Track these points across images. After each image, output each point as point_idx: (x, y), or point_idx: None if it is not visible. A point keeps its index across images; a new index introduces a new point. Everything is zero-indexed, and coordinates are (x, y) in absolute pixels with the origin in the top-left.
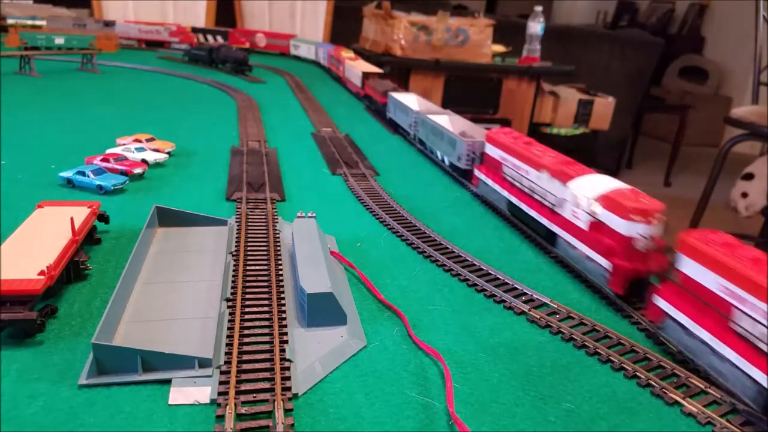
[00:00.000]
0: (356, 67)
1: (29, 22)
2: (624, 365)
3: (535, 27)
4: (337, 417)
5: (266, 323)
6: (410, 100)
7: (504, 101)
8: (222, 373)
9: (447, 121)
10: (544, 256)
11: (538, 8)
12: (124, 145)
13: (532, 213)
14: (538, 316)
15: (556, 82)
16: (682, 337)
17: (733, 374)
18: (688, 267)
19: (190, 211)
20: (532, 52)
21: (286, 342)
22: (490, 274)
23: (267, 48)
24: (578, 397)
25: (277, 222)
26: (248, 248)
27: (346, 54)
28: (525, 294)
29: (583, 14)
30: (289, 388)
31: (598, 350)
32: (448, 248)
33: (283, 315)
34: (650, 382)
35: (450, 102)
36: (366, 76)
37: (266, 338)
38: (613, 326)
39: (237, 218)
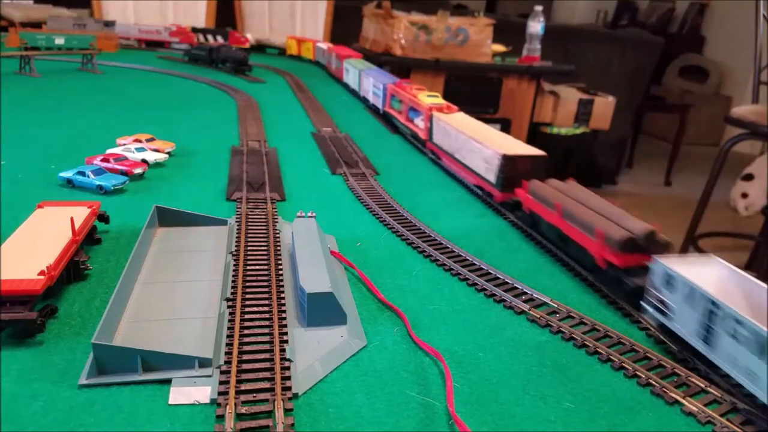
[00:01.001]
0: (477, 138)
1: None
2: (624, 364)
3: (535, 26)
4: (337, 417)
5: (266, 323)
6: (712, 280)
7: (504, 101)
8: (222, 373)
9: None
10: (544, 256)
11: (538, 8)
12: (124, 145)
13: None
14: (538, 316)
15: (556, 82)
16: None
17: None
18: None
19: (190, 211)
20: (532, 52)
21: (286, 342)
22: (490, 273)
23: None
24: (578, 397)
25: (277, 222)
26: (248, 248)
27: (430, 99)
28: (525, 293)
29: (583, 14)
30: (289, 388)
31: (598, 349)
32: (448, 248)
33: (283, 315)
34: (650, 381)
35: (450, 101)
36: (513, 163)
37: (266, 338)
38: (613, 325)
39: (237, 218)
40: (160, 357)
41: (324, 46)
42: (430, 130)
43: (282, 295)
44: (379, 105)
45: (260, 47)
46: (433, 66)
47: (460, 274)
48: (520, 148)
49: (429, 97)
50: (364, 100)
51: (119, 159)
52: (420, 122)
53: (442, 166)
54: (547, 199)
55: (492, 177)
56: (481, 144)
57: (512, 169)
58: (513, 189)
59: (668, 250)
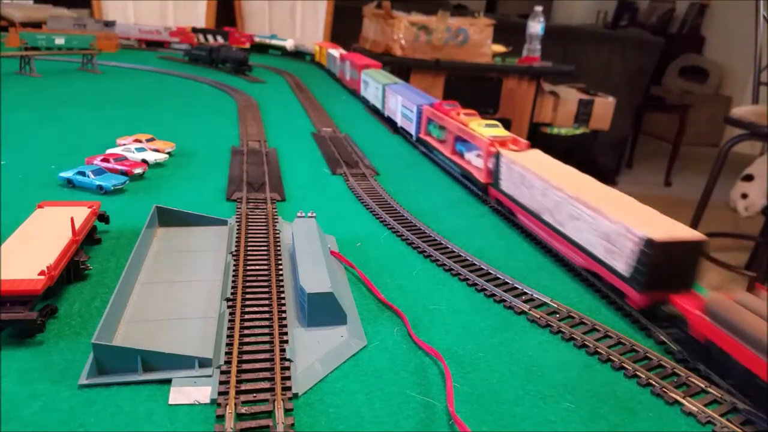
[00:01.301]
0: (587, 199)
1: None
2: (624, 365)
3: (535, 27)
4: (337, 417)
5: (266, 323)
6: None
7: (504, 101)
8: (222, 373)
9: None
10: (545, 256)
11: (538, 8)
12: (124, 145)
13: None
14: (538, 316)
15: (556, 82)
16: None
17: None
18: None
19: (190, 211)
20: (532, 52)
21: (286, 342)
22: (490, 273)
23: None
24: (578, 397)
25: (277, 222)
26: (248, 248)
27: (489, 129)
28: (525, 294)
29: (583, 14)
30: (289, 388)
31: (599, 350)
32: (448, 248)
33: (283, 315)
34: (650, 381)
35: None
36: (665, 252)
37: (266, 338)
38: (613, 326)
39: (237, 218)
40: (160, 357)
41: (335, 53)
42: (494, 174)
43: (282, 295)
44: (412, 130)
45: (298, 53)
46: (433, 66)
47: (460, 274)
48: (661, 222)
49: (487, 127)
50: (389, 121)
51: (119, 159)
52: (475, 159)
53: (441, 166)
54: (750, 335)
55: (623, 267)
56: (598, 212)
57: (662, 260)
58: (660, 288)
59: None
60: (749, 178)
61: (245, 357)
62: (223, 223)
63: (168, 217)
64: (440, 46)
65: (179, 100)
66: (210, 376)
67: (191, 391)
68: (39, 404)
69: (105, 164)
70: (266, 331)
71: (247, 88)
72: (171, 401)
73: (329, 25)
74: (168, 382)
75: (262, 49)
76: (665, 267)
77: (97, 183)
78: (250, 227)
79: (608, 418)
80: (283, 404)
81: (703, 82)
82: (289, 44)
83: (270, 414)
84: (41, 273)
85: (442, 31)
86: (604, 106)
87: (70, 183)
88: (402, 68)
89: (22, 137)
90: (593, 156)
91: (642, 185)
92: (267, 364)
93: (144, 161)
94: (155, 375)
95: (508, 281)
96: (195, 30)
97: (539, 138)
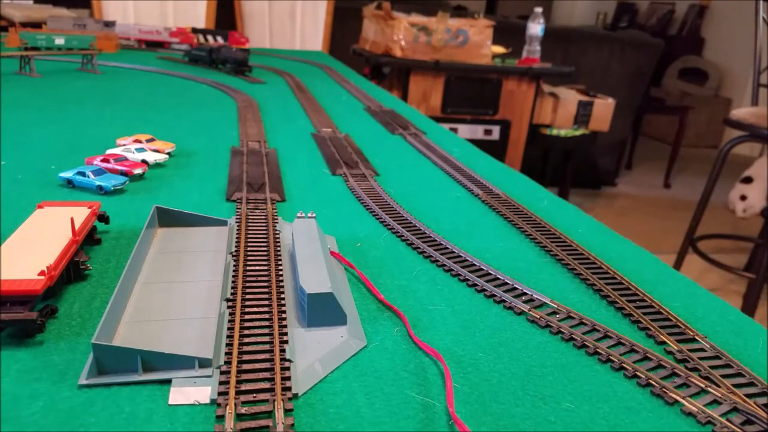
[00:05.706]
0: None
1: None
2: (624, 365)
3: (535, 28)
4: (337, 417)
5: (266, 323)
6: None
7: (504, 102)
8: (222, 373)
9: None
10: (545, 256)
11: (538, 9)
12: (124, 145)
13: None
14: (538, 316)
15: (555, 83)
16: None
17: None
18: None
19: (190, 212)
20: (532, 53)
21: (286, 342)
22: (490, 274)
23: None
24: (578, 397)
25: (277, 222)
26: (248, 248)
27: None
28: (525, 294)
29: (583, 15)
30: (289, 388)
31: (598, 350)
32: (448, 248)
33: (283, 315)
34: (650, 381)
35: (450, 103)
36: None
37: (266, 338)
38: (613, 326)
39: (237, 218)
40: (160, 357)
41: None
42: None
43: (282, 296)
44: None
45: None
46: (433, 67)
47: (460, 274)
48: None
49: None
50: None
51: (119, 159)
52: None
53: (441, 166)
54: None
55: None
56: None
57: None
58: None
59: None
60: (748, 180)
61: (245, 357)
62: (223, 223)
63: (168, 218)
64: (440, 47)
65: (179, 101)
66: (210, 376)
67: (191, 392)
68: (39, 404)
69: (105, 164)
70: (266, 331)
71: (247, 89)
72: (171, 401)
73: (329, 25)
74: (168, 382)
75: None
76: None
77: (97, 183)
78: (249, 228)
79: (608, 418)
80: (283, 404)
81: (703, 84)
82: None
83: (270, 414)
84: (41, 273)
85: (442, 32)
86: (604, 108)
87: (70, 183)
88: (402, 69)
89: (22, 137)
90: (592, 157)
91: (641, 187)
92: (267, 365)
93: (144, 161)
94: (155, 375)
95: (508, 281)
96: (195, 30)
97: (539, 139)
